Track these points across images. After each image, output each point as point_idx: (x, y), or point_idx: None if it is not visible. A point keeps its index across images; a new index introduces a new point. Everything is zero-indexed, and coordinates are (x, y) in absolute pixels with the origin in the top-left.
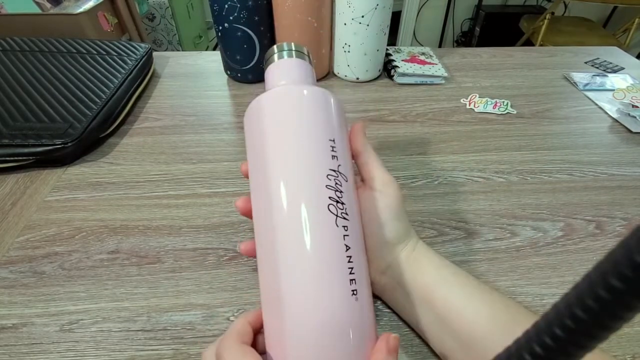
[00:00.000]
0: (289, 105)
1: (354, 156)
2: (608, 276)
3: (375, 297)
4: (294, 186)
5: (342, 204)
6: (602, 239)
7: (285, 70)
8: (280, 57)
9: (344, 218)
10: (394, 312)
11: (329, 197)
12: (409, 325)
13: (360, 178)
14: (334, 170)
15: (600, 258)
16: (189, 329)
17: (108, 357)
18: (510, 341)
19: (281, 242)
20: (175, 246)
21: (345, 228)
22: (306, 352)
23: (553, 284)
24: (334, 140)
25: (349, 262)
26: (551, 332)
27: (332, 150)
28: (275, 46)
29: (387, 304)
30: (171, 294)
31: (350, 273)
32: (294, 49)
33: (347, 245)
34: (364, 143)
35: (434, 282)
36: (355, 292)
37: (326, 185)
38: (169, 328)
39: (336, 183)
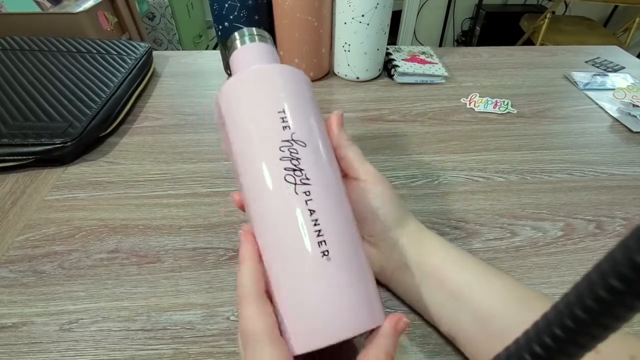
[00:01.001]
0: (239, 90)
1: (334, 149)
2: (608, 276)
3: (383, 286)
4: (252, 165)
5: (300, 170)
6: (602, 238)
7: (249, 54)
8: (243, 42)
9: (305, 184)
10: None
11: (284, 169)
12: (414, 311)
13: (342, 172)
14: (287, 140)
15: (600, 258)
16: (188, 328)
17: (108, 356)
18: (527, 316)
19: (254, 219)
20: (175, 246)
21: (307, 193)
22: (295, 317)
23: (553, 284)
24: (283, 111)
25: (314, 225)
26: (551, 332)
27: (283, 121)
28: (236, 33)
29: (396, 292)
30: (171, 293)
31: (318, 235)
32: (255, 33)
33: (311, 210)
34: (340, 137)
35: (444, 262)
36: (326, 253)
37: (280, 158)
38: (168, 327)
39: (291, 152)
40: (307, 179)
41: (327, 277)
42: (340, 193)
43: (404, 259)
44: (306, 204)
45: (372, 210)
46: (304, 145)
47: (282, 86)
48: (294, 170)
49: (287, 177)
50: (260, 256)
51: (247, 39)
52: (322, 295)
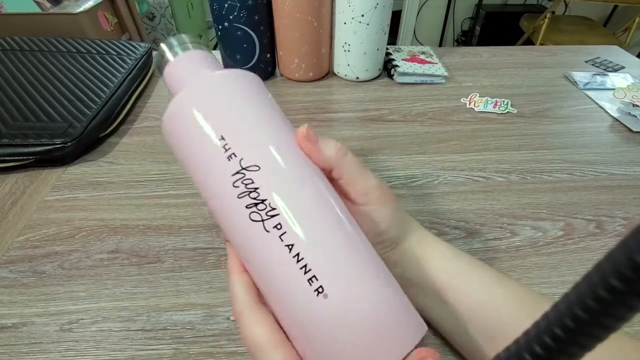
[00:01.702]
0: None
1: (325, 172)
2: (608, 276)
3: None
4: (214, 207)
5: (262, 201)
6: (602, 238)
7: (180, 69)
8: (174, 54)
9: (272, 216)
10: None
11: (246, 207)
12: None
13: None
14: (237, 172)
15: (600, 258)
16: (188, 328)
17: (108, 356)
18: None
19: (239, 253)
20: (175, 246)
21: (278, 227)
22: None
23: (553, 284)
24: (222, 138)
25: (297, 262)
26: (551, 332)
27: (225, 151)
28: (162, 44)
29: None
30: (171, 293)
31: (305, 273)
32: (188, 41)
33: (288, 246)
34: (325, 157)
35: (448, 278)
36: (320, 290)
37: (237, 196)
38: (168, 328)
39: (246, 185)
40: (273, 208)
41: (333, 320)
42: (326, 203)
43: (406, 274)
44: (281, 240)
45: (376, 235)
46: (257, 168)
47: (216, 105)
48: (256, 204)
49: (252, 216)
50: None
51: (177, 48)
52: (331, 341)
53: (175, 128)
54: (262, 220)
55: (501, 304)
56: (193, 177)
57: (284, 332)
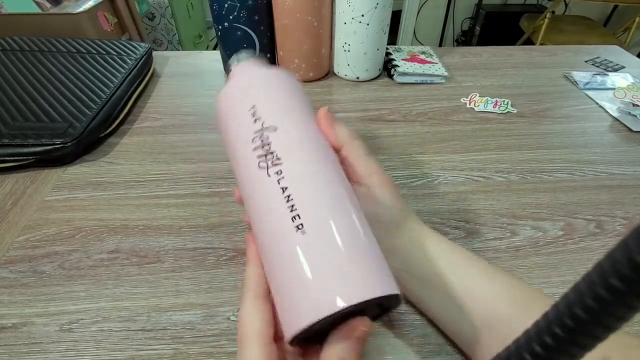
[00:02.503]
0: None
1: (337, 151)
2: (608, 276)
3: None
4: (235, 161)
5: (271, 153)
6: (603, 238)
7: (239, 70)
8: (236, 62)
9: (276, 164)
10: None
11: (257, 157)
12: (416, 309)
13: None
14: (258, 131)
15: (600, 258)
16: (188, 328)
17: (108, 356)
18: (535, 318)
19: (246, 210)
20: (175, 246)
21: (279, 172)
22: (280, 300)
23: (553, 284)
24: (253, 107)
25: (287, 201)
26: (551, 332)
27: (253, 116)
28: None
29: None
30: (171, 293)
31: (291, 211)
32: (250, 55)
33: (283, 188)
34: (336, 136)
35: (445, 267)
36: (300, 227)
37: (253, 148)
38: (168, 328)
39: (262, 140)
40: (279, 159)
41: (304, 252)
42: (324, 165)
43: (402, 264)
44: (278, 183)
45: (374, 216)
46: (274, 129)
47: (253, 86)
48: (266, 155)
49: (260, 164)
50: None
51: (240, 57)
52: (300, 271)
53: (220, 104)
54: (267, 168)
55: (497, 296)
56: (225, 139)
57: (275, 329)
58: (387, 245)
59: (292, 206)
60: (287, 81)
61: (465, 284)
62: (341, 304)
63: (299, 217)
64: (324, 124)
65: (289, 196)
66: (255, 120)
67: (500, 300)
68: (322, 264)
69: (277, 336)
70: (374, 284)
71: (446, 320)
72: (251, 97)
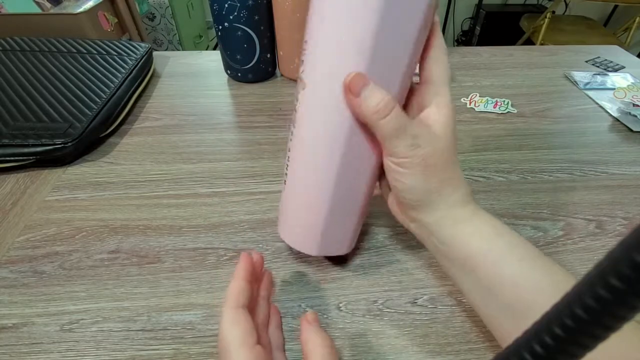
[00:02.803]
0: None
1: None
2: (608, 276)
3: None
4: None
5: (294, 120)
6: (603, 238)
7: None
8: None
9: (292, 131)
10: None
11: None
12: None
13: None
14: (299, 79)
15: (600, 257)
16: (189, 328)
17: (108, 357)
18: None
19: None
20: (176, 246)
21: (293, 125)
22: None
23: None
24: (306, 42)
25: (288, 152)
26: (551, 331)
27: (303, 54)
28: None
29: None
30: (171, 293)
31: (287, 162)
32: None
33: (289, 148)
34: (362, 112)
35: (483, 257)
36: (285, 181)
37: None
38: (169, 328)
39: (295, 98)
40: (294, 123)
41: (283, 198)
42: (337, 131)
43: (435, 237)
44: (289, 147)
45: (399, 191)
46: (303, 88)
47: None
48: (292, 123)
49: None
50: (248, 275)
51: None
52: (281, 209)
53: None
54: (293, 123)
55: (537, 286)
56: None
57: (257, 336)
58: (419, 223)
59: (288, 158)
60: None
61: (502, 271)
62: (292, 245)
63: (286, 173)
64: (348, 97)
65: (288, 157)
66: (301, 62)
67: (542, 290)
68: (291, 214)
69: (260, 341)
70: (316, 246)
71: (473, 299)
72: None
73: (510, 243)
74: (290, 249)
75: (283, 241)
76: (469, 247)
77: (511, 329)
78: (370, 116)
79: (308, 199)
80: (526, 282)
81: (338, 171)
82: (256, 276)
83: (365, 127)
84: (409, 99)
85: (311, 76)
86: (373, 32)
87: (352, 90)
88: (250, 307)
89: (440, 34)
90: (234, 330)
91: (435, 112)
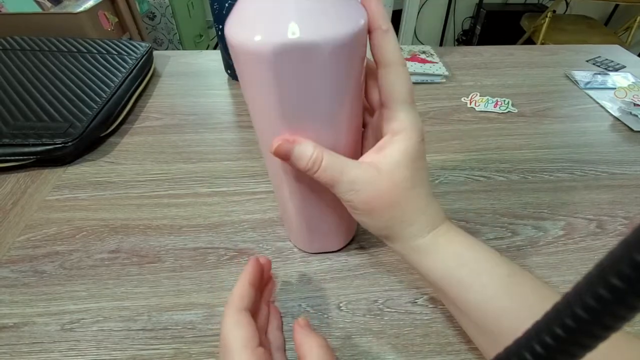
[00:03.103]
0: None
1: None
2: (608, 275)
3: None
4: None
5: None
6: (603, 238)
7: None
8: None
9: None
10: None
11: None
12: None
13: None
14: None
15: (601, 257)
16: (189, 328)
17: (109, 356)
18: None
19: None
20: (176, 245)
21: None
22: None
23: (554, 283)
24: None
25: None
26: (552, 331)
27: None
28: None
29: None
30: (172, 293)
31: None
32: None
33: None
34: (386, 49)
35: (445, 282)
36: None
37: None
38: (169, 327)
39: None
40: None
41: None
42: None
43: (409, 259)
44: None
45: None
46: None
47: None
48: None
49: None
50: (254, 280)
51: None
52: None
53: None
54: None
55: (502, 311)
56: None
57: (259, 337)
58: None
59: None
60: None
61: (465, 301)
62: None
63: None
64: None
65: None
66: None
67: (509, 313)
68: (288, 217)
69: (260, 342)
70: (308, 244)
71: (461, 323)
72: None
73: (473, 271)
74: (291, 248)
75: (283, 241)
76: (434, 275)
77: (485, 346)
78: (305, 172)
79: (284, 201)
80: (491, 308)
81: (292, 189)
82: (262, 281)
83: None
84: (368, 126)
85: (253, 124)
86: (277, 92)
87: (280, 157)
88: (253, 310)
89: (392, 44)
90: (236, 332)
91: (389, 140)
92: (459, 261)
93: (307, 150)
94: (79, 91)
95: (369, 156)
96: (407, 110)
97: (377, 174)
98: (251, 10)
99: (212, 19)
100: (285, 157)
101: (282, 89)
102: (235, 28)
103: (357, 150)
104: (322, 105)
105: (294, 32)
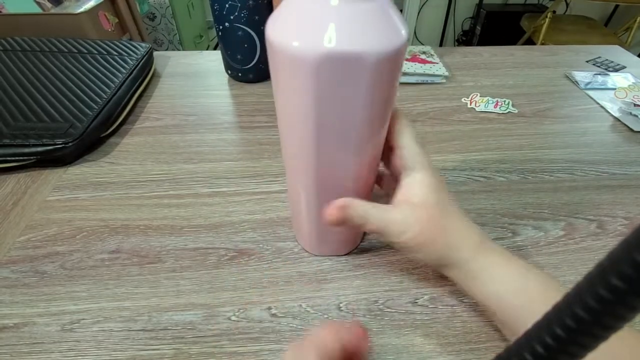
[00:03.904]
0: None
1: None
2: (609, 276)
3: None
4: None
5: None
6: (604, 238)
7: None
8: None
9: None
10: None
11: None
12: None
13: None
14: None
15: (601, 258)
16: (189, 328)
17: (109, 356)
18: None
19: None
20: (176, 246)
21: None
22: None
23: None
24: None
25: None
26: (552, 332)
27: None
28: None
29: None
30: (172, 293)
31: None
32: None
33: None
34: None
35: (496, 307)
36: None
37: None
38: (169, 328)
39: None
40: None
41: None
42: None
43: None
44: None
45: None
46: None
47: None
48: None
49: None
50: (348, 345)
51: None
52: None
53: None
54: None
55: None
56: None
57: None
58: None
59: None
60: None
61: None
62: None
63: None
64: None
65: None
66: None
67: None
68: (299, 220)
69: None
70: (317, 247)
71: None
72: None
73: (527, 301)
74: (291, 249)
75: (283, 241)
76: (487, 299)
77: None
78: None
79: (299, 207)
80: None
81: (309, 203)
82: (347, 353)
83: (332, 158)
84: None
85: (280, 126)
86: (314, 97)
87: (337, 226)
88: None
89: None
90: None
91: (408, 175)
92: (511, 286)
93: (357, 211)
94: (79, 92)
95: (396, 197)
96: (415, 148)
97: (414, 208)
98: (296, 11)
99: (212, 19)
100: (341, 224)
101: (319, 95)
102: (279, 28)
103: (376, 166)
104: (357, 116)
105: (337, 41)
